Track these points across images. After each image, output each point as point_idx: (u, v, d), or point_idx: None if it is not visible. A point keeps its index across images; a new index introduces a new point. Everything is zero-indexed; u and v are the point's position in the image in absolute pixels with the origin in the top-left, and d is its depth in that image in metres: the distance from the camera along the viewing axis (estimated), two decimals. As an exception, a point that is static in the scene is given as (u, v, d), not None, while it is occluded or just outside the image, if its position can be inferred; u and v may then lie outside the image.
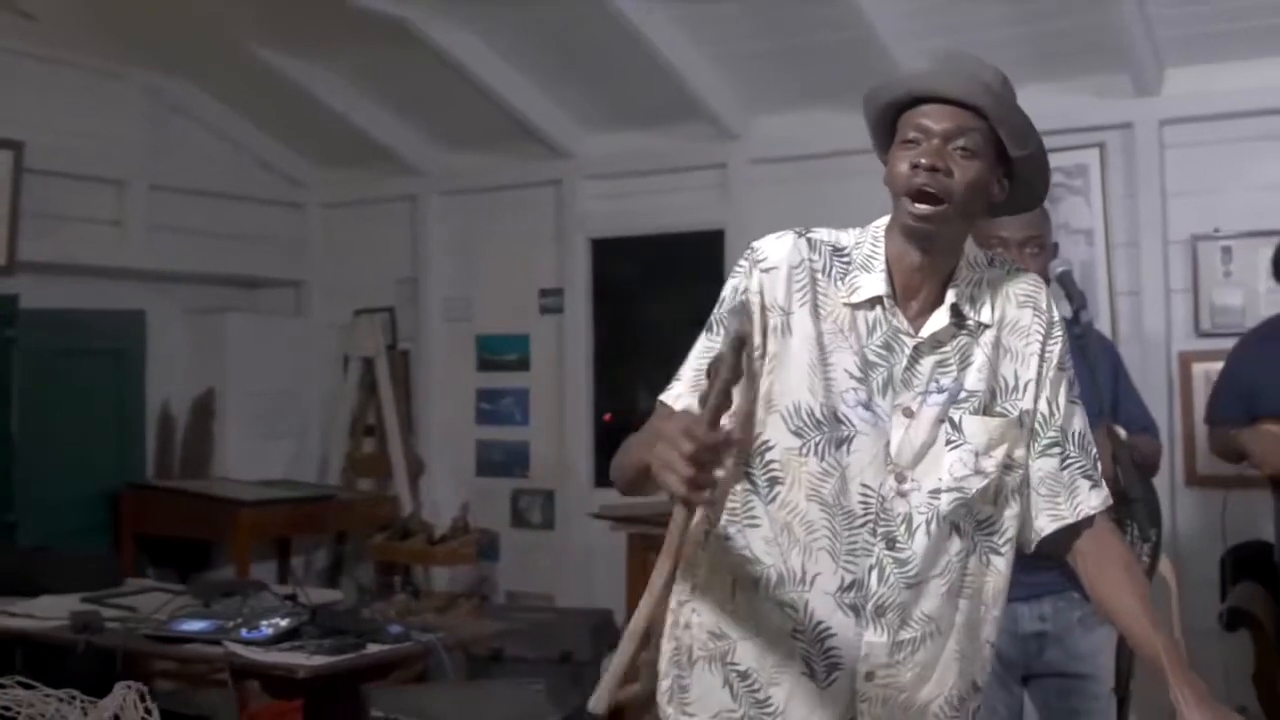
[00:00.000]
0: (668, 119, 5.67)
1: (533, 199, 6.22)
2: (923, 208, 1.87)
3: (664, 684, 2.08)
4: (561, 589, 6.03)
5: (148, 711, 2.61)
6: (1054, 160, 5.92)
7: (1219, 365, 4.58)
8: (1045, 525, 2.00)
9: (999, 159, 1.93)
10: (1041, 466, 1.99)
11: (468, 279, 6.45)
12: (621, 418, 6.20)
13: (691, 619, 2.02)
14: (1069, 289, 3.03)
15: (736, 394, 1.73)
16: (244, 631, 3.47)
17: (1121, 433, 2.97)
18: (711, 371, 1.70)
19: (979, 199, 1.92)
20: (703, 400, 1.68)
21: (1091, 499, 2.01)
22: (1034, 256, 3.15)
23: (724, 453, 1.66)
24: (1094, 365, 2.98)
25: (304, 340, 6.75)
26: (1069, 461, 2.00)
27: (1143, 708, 3.95)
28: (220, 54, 5.67)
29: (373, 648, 3.47)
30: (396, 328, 6.63)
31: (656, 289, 6.09)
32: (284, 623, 3.50)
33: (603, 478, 6.08)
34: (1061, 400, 2.00)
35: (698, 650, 2.01)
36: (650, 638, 1.74)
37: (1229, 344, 4.50)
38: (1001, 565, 2.00)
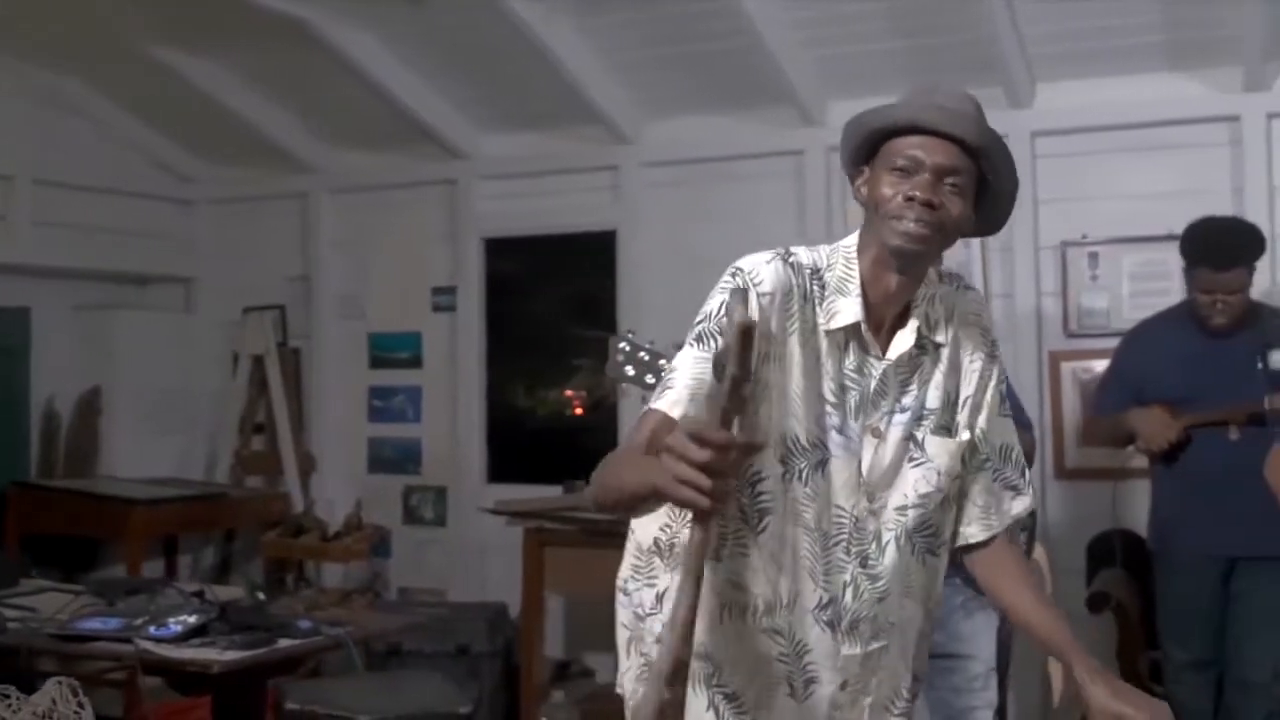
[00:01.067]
0: (562, 122, 5.78)
1: (426, 198, 6.27)
2: (916, 232, 1.88)
3: (631, 702, 2.12)
4: (454, 584, 6.10)
5: (80, 706, 2.65)
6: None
7: (1087, 364, 4.89)
8: (976, 534, 2.10)
9: (977, 192, 1.95)
10: (979, 480, 2.09)
11: (360, 277, 6.48)
12: (512, 414, 6.31)
13: (664, 634, 1.92)
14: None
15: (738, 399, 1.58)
16: (152, 629, 3.50)
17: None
18: (718, 368, 1.59)
19: (960, 232, 1.95)
20: (720, 409, 1.56)
21: (1015, 506, 2.12)
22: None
23: (741, 458, 1.59)
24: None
25: (193, 338, 6.71)
26: (998, 474, 2.10)
27: (1018, 684, 4.22)
28: (111, 51, 5.62)
29: (284, 642, 3.53)
30: (287, 325, 6.63)
31: (550, 288, 6.21)
32: (193, 619, 3.54)
33: (495, 473, 6.18)
34: (997, 416, 2.09)
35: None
36: (680, 676, 1.67)
37: (1096, 344, 4.80)
38: (940, 566, 2.09)
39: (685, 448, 1.54)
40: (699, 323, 1.97)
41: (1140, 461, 4.26)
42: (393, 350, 6.41)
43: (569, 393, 6.19)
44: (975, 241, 5.16)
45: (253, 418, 6.66)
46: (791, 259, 1.98)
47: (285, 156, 6.39)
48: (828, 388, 1.96)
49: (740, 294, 1.90)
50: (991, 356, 2.08)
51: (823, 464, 1.96)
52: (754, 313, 1.86)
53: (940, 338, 2.03)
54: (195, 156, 6.72)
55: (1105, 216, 5.02)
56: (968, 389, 2.06)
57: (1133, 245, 4.95)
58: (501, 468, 6.19)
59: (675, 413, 1.87)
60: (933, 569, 2.08)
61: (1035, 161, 5.09)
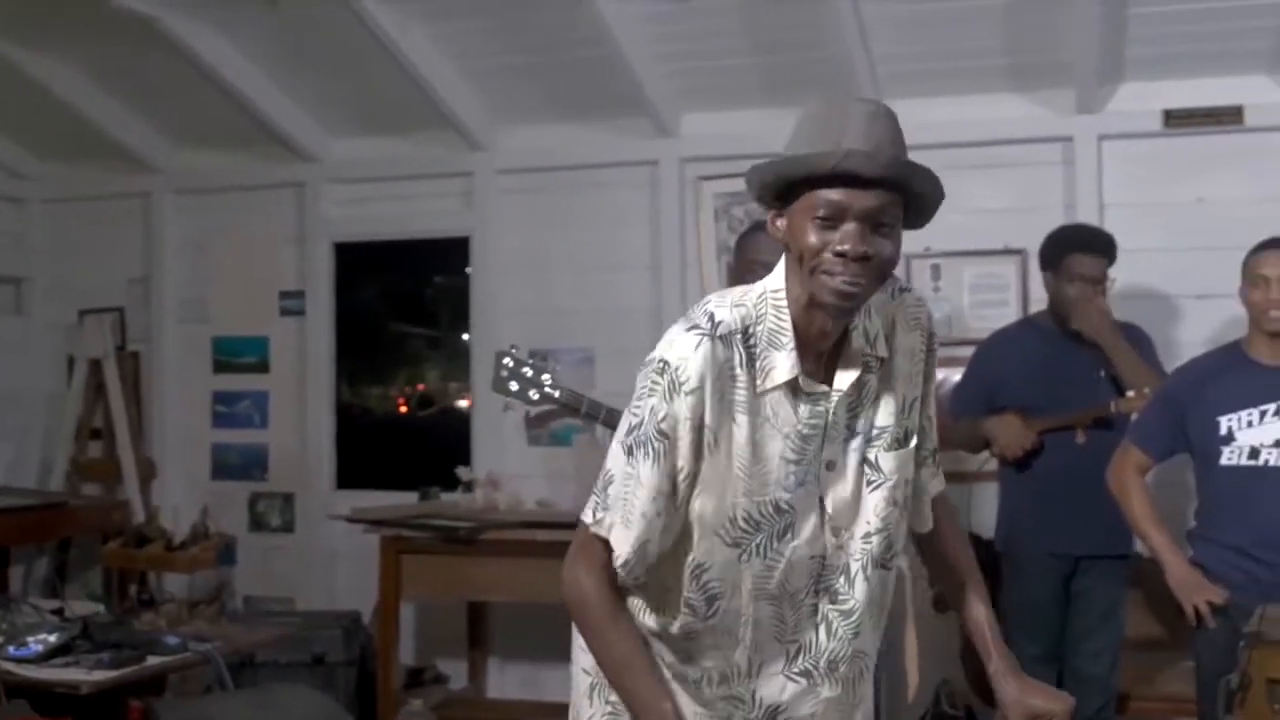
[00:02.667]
0: (415, 127, 5.75)
1: (275, 201, 6.17)
2: (850, 289, 1.79)
3: None
4: (302, 592, 6.03)
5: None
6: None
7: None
8: (919, 525, 2.11)
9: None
10: (922, 475, 2.07)
11: (204, 280, 6.33)
12: (363, 420, 6.27)
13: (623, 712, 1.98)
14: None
15: None
16: (12, 649, 3.38)
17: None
18: None
19: (894, 265, 1.86)
20: None
21: (934, 486, 2.11)
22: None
23: None
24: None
25: (25, 340, 6.48)
26: (931, 463, 2.09)
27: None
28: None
29: (152, 659, 3.44)
30: (126, 329, 6.44)
31: (402, 293, 6.18)
32: (53, 638, 3.43)
33: (345, 479, 6.12)
34: (932, 410, 2.06)
35: None
36: None
37: (940, 352, 4.97)
38: (893, 577, 2.06)
39: None
40: (633, 429, 1.88)
41: (993, 465, 4.47)
42: (238, 355, 6.29)
43: (405, 395, 6.18)
44: (825, 252, 5.33)
45: (89, 423, 6.46)
46: (719, 331, 1.85)
47: (128, 155, 6.20)
48: (784, 446, 1.87)
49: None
50: (930, 351, 2.01)
51: (787, 529, 1.90)
52: (682, 415, 1.82)
53: (882, 351, 1.93)
54: (30, 153, 6.48)
55: (947, 230, 5.12)
56: (913, 391, 1.99)
57: (972, 258, 5.18)
58: (351, 473, 6.14)
59: (623, 549, 1.88)
60: (886, 581, 2.03)
61: (882, 176, 5.26)
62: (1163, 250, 4.97)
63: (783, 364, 1.86)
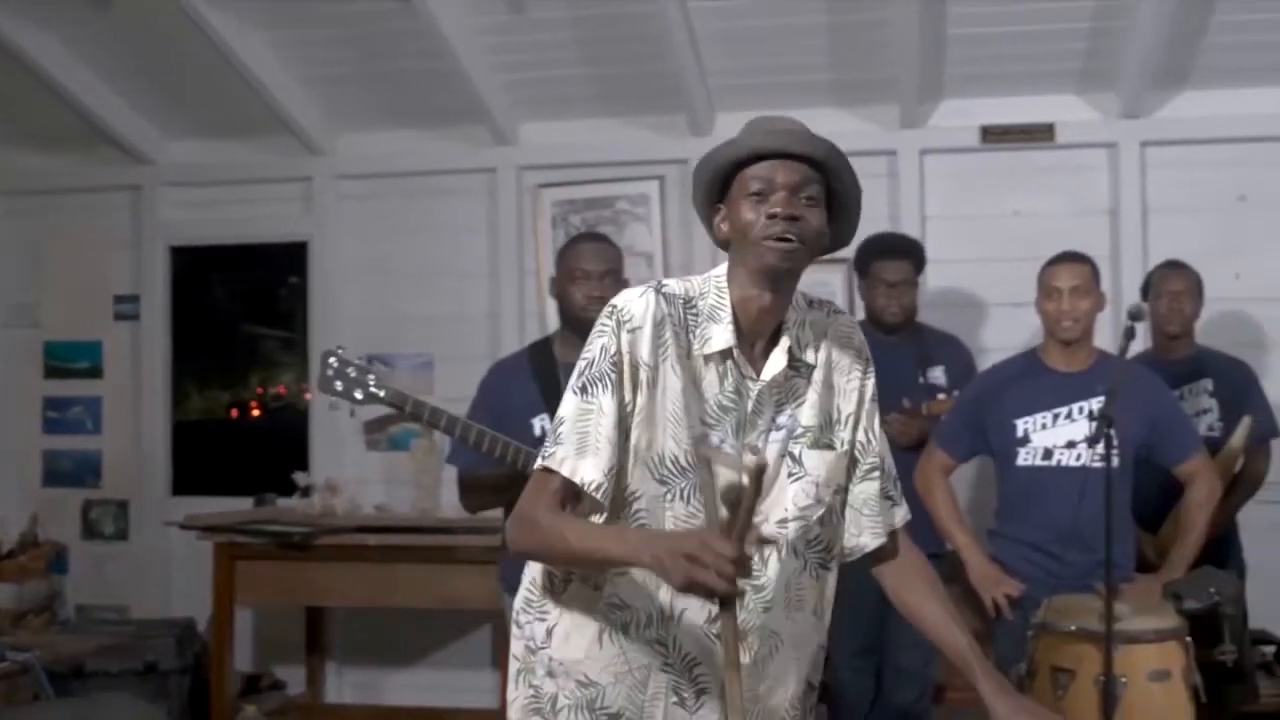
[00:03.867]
0: (254, 131, 5.72)
1: (109, 204, 6.06)
2: (787, 246, 2.00)
3: None
4: (136, 600, 5.94)
5: None
6: (620, 190, 6.45)
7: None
8: (869, 541, 2.22)
9: (827, 205, 2.08)
10: (864, 490, 2.21)
11: (33, 284, 6.20)
12: (199, 426, 6.20)
13: (554, 668, 2.13)
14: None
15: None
16: None
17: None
18: (734, 503, 1.87)
19: (822, 240, 2.07)
20: (728, 526, 1.85)
21: (896, 516, 2.25)
22: (611, 287, 3.53)
23: (750, 567, 1.85)
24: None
25: None
26: (883, 485, 2.22)
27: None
28: None
29: (-33, 669, 3.41)
30: (-50, 334, 6.28)
31: (240, 298, 6.13)
32: None
33: (181, 485, 6.05)
34: (876, 429, 2.22)
35: (563, 698, 2.12)
36: None
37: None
38: (830, 579, 2.21)
39: (701, 550, 1.80)
40: (584, 370, 2.08)
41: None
42: (71, 359, 6.17)
43: (236, 397, 6.14)
44: (659, 261, 5.45)
45: (-89, 430, 6.27)
46: (664, 290, 2.09)
47: (-51, 157, 6.05)
48: (708, 409, 2.07)
49: (703, 437, 2.04)
50: (866, 373, 2.21)
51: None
52: (623, 349, 2.04)
53: (811, 358, 2.14)
54: None
55: (777, 239, 5.37)
56: (848, 406, 2.18)
57: None
58: (187, 480, 6.07)
59: (566, 470, 2.03)
60: (824, 581, 2.20)
61: (714, 186, 5.40)
62: (980, 260, 5.20)
63: (719, 335, 2.08)
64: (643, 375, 2.05)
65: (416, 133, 5.65)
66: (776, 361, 2.10)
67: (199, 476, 6.07)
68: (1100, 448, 2.97)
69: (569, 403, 2.08)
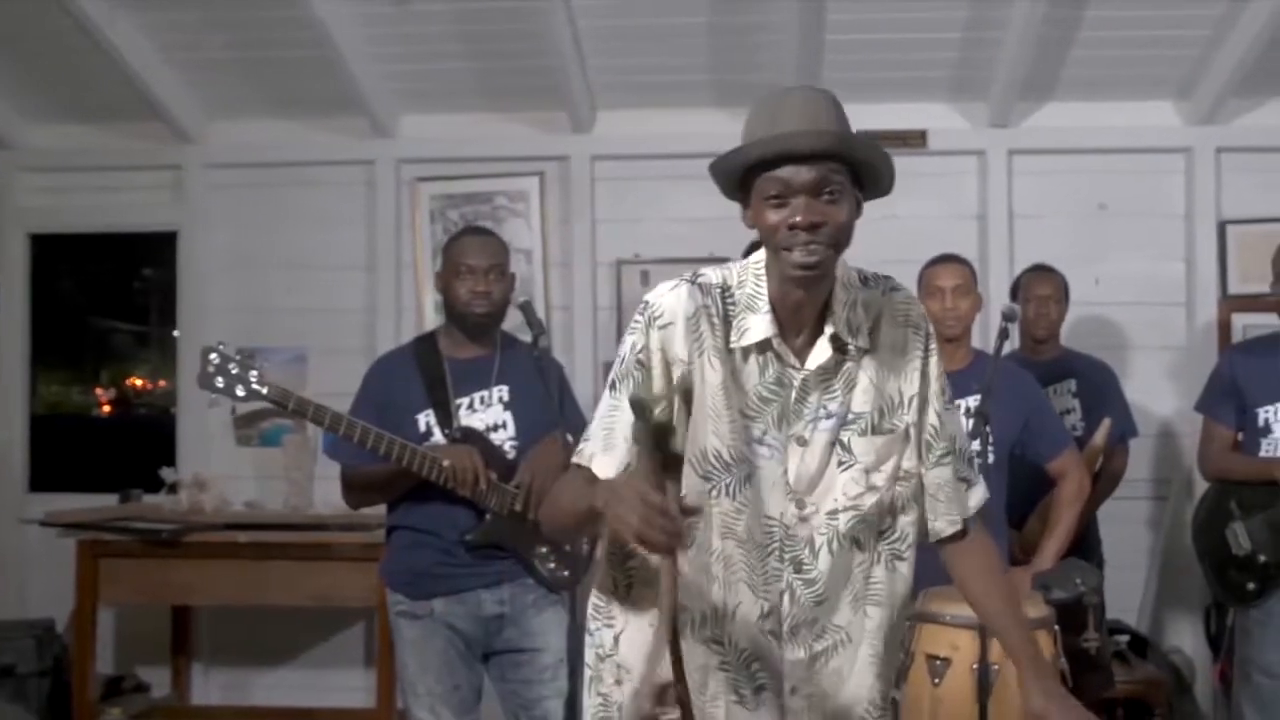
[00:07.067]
0: (121, 116, 5.56)
1: (-37, 189, 5.86)
2: (811, 260, 1.91)
3: None
4: (-9, 600, 5.75)
5: None
6: (500, 185, 6.39)
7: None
8: (944, 528, 2.14)
9: (854, 181, 1.96)
10: (938, 475, 2.12)
11: (-119, 271, 5.95)
12: (59, 421, 6.01)
13: (622, 675, 2.12)
14: (530, 317, 3.41)
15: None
16: None
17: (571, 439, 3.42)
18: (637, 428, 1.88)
19: (851, 230, 1.96)
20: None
21: (972, 498, 2.17)
22: (496, 282, 3.53)
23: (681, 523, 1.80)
24: (548, 382, 3.44)
25: None
26: (958, 469, 2.14)
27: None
28: None
29: None
30: None
31: (105, 288, 5.96)
32: None
33: (38, 482, 5.85)
34: (945, 410, 2.13)
35: (629, 704, 2.11)
36: (665, 697, 1.90)
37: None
38: (905, 570, 2.13)
39: (631, 500, 1.79)
40: (616, 367, 2.07)
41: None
42: (-79, 350, 5.93)
43: (99, 390, 5.99)
44: (538, 257, 5.45)
45: None
46: (699, 280, 2.04)
47: None
48: (748, 401, 2.02)
49: (640, 365, 2.03)
50: (928, 351, 2.11)
51: (749, 477, 2.02)
52: (654, 346, 2.01)
53: (863, 342, 2.04)
54: None
55: (656, 237, 5.43)
56: (910, 388, 2.09)
57: (680, 265, 5.25)
58: (46, 475, 5.88)
59: (594, 465, 2.03)
60: (900, 575, 2.12)
61: (594, 183, 5.45)
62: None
63: (757, 325, 2.02)
64: (678, 371, 2.01)
65: (293, 122, 5.55)
66: (821, 350, 2.03)
67: (58, 472, 5.89)
68: (977, 444, 3.05)
69: (603, 399, 2.09)
